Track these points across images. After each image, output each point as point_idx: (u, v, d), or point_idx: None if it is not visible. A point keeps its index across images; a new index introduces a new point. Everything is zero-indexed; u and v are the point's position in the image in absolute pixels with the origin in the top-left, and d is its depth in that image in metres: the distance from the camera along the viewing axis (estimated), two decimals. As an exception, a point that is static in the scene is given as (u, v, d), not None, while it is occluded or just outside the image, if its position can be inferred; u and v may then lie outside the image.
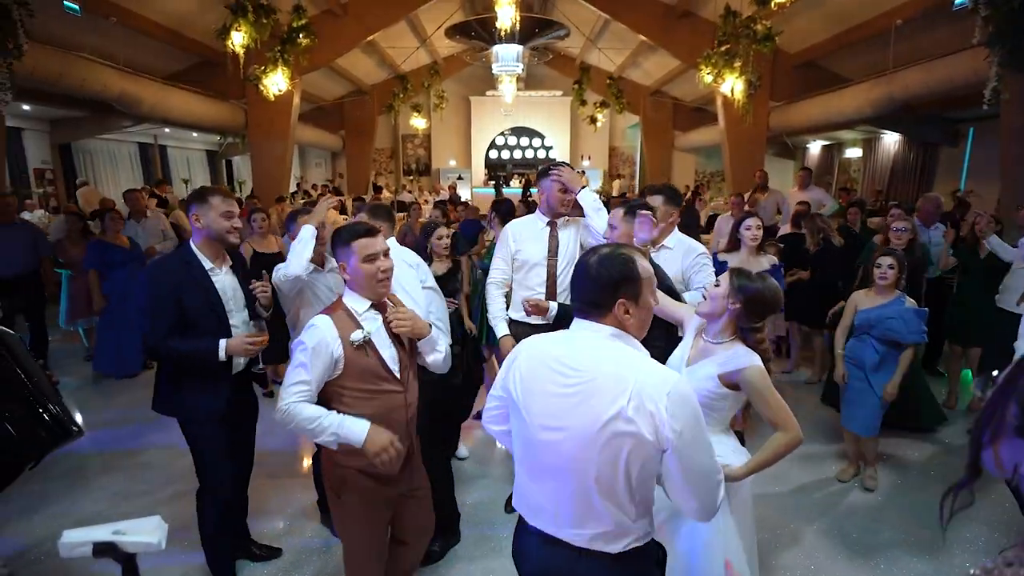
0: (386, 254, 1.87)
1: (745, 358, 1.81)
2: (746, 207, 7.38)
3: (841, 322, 3.38)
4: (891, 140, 10.34)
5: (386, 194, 13.76)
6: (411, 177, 18.70)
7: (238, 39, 7.11)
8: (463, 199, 12.55)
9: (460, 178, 17.87)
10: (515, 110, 16.80)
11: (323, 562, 2.75)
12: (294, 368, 1.76)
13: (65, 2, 6.68)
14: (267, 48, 7.96)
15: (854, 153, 12.35)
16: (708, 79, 8.40)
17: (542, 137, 19.24)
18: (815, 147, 13.60)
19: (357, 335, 1.79)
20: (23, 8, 4.90)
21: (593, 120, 15.91)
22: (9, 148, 9.48)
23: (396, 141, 19.20)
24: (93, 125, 10.58)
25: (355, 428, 1.74)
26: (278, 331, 2.70)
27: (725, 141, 10.53)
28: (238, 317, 2.34)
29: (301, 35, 8.14)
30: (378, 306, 1.89)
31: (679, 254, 2.72)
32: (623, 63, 14.78)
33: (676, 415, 1.20)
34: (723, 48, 7.97)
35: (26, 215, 8.79)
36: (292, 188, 13.13)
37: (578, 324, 1.38)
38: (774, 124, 10.52)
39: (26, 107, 8.88)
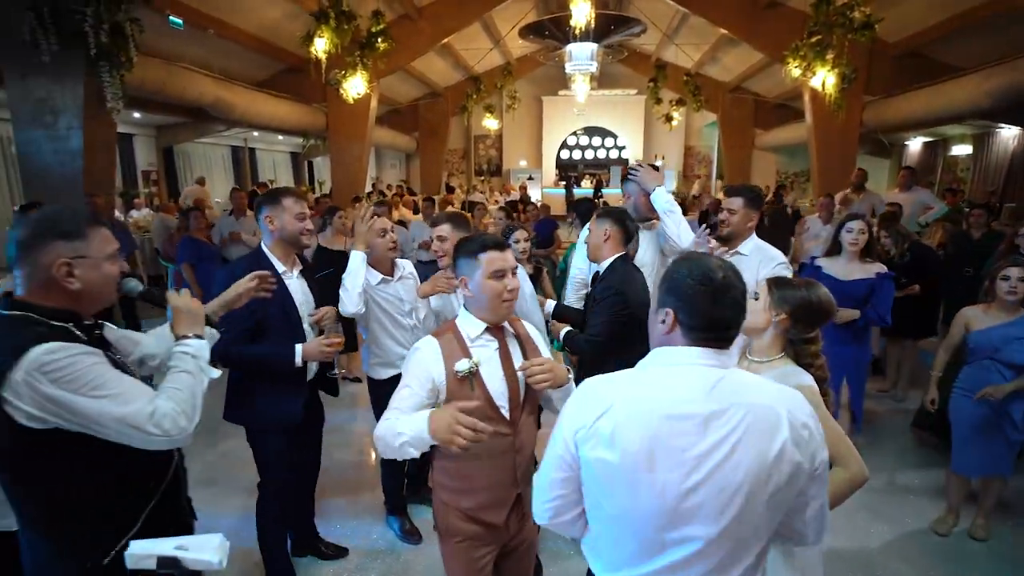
0: (514, 272, 1.68)
1: (793, 378, 1.58)
2: (838, 209, 6.88)
3: (945, 341, 2.99)
4: (1009, 135, 9.30)
5: (458, 193, 13.95)
6: (482, 177, 18.89)
7: (321, 45, 7.40)
8: (533, 200, 12.49)
9: (531, 178, 17.85)
10: (587, 109, 16.54)
11: (388, 564, 2.76)
12: (396, 393, 1.62)
13: (170, 18, 7.20)
14: (347, 53, 8.24)
15: (962, 150, 11.22)
16: (796, 73, 7.87)
17: (615, 137, 18.87)
18: (915, 144, 12.50)
19: (463, 365, 1.59)
20: (135, 24, 5.31)
21: (669, 119, 15.41)
22: (122, 152, 10.42)
23: (468, 142, 19.45)
24: (192, 130, 11.44)
25: (417, 421, 1.49)
26: (345, 322, 2.67)
27: (812, 139, 9.86)
28: (309, 321, 2.31)
29: (379, 39, 8.36)
30: (494, 330, 1.69)
31: (755, 262, 2.51)
32: (701, 59, 14.22)
33: (820, 431, 1.10)
34: (814, 39, 7.44)
35: (134, 213, 9.61)
36: (368, 188, 13.58)
37: (684, 356, 1.13)
38: (868, 120, 9.72)
39: (137, 115, 9.69)
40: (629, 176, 2.77)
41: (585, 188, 17.33)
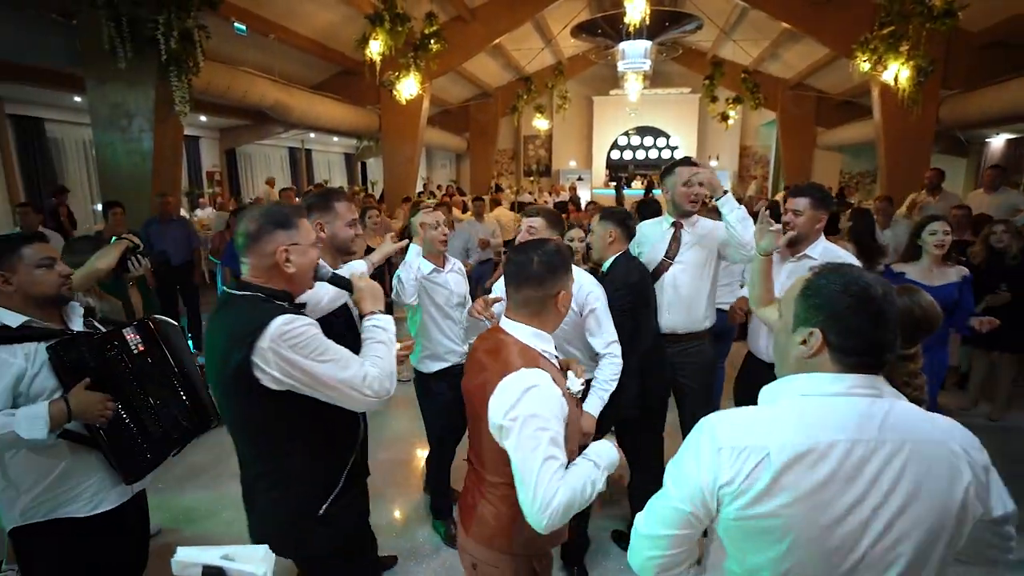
0: None
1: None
2: (916, 212, 6.42)
3: None
4: (1107, 132, 8.48)
5: (507, 193, 13.95)
6: (531, 178, 18.85)
7: (375, 47, 7.53)
8: (583, 200, 12.35)
9: (580, 179, 17.68)
10: (639, 109, 16.25)
11: (433, 569, 2.74)
12: (535, 448, 1.29)
13: (235, 24, 7.50)
14: (401, 55, 8.36)
15: (1052, 148, 10.33)
16: (865, 67, 7.43)
17: (667, 137, 18.45)
18: (998, 141, 11.59)
19: (574, 382, 1.49)
20: (203, 31, 5.54)
21: (725, 117, 14.93)
22: (188, 153, 10.97)
23: (518, 142, 19.45)
24: (253, 132, 11.91)
25: (604, 452, 1.43)
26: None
27: (881, 137, 9.30)
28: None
29: (432, 41, 8.44)
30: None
31: None
32: (760, 55, 13.69)
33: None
34: (886, 30, 7.00)
35: (198, 212, 10.08)
36: (419, 188, 13.78)
37: (839, 384, 0.99)
38: (944, 116, 9.08)
39: (203, 118, 10.15)
40: (674, 170, 2.63)
41: (636, 189, 17.00)
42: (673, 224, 2.68)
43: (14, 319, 1.66)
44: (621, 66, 11.27)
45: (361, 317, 1.66)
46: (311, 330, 1.42)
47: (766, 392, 1.07)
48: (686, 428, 2.60)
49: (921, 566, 0.93)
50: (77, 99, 8.07)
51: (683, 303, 2.62)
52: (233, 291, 1.50)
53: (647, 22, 8.04)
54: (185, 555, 0.91)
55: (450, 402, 2.66)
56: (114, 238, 2.37)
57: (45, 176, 8.55)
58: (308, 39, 9.35)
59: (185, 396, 1.87)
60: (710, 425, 1.02)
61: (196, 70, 5.62)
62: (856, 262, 2.39)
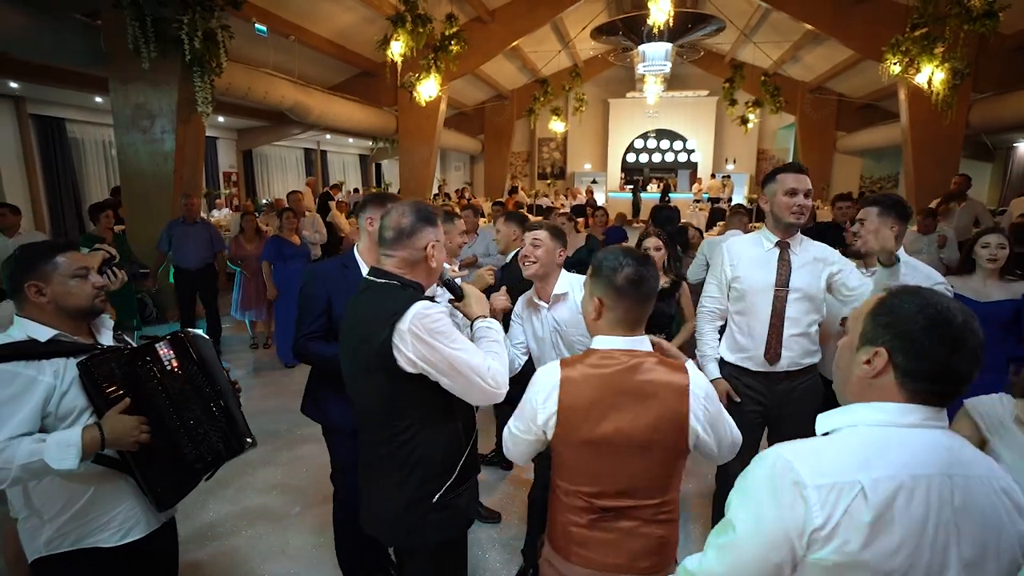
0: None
1: None
2: (938, 219, 6.26)
3: None
4: None
5: (523, 196, 13.88)
6: (547, 181, 18.76)
7: (396, 48, 7.47)
8: (600, 204, 12.22)
9: (595, 182, 17.56)
10: (657, 111, 16.12)
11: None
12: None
13: (256, 26, 7.47)
14: (421, 56, 8.30)
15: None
16: (895, 70, 7.26)
17: (683, 140, 18.28)
18: (1025, 147, 11.36)
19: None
20: (226, 31, 5.50)
21: (744, 121, 14.74)
22: (206, 155, 10.99)
23: (532, 145, 19.37)
24: (270, 133, 11.92)
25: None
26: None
27: (908, 141, 9.11)
28: None
29: (452, 42, 8.37)
30: None
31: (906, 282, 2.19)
32: (781, 58, 13.51)
33: None
34: (918, 32, 6.83)
35: (215, 213, 10.07)
36: (434, 190, 13.73)
37: (912, 416, 0.93)
38: (975, 120, 8.88)
39: (220, 119, 10.17)
40: (777, 177, 2.24)
41: (652, 192, 16.86)
42: (778, 244, 2.28)
43: (44, 333, 1.55)
44: (640, 68, 11.17)
45: (471, 322, 1.74)
46: (445, 319, 1.50)
47: (827, 419, 0.99)
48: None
49: None
50: (98, 99, 8.09)
51: (798, 338, 2.27)
52: (375, 278, 1.59)
53: (671, 24, 7.93)
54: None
55: None
56: (86, 249, 2.28)
57: (65, 176, 8.58)
58: (327, 40, 9.33)
59: (220, 415, 1.73)
60: (785, 462, 0.91)
61: (219, 70, 5.59)
62: (941, 276, 2.30)
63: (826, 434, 0.98)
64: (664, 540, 1.41)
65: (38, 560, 1.59)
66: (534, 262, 2.22)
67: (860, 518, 0.85)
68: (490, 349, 1.60)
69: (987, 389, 2.84)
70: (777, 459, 0.93)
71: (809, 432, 1.59)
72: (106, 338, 1.70)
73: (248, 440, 1.76)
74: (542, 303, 2.28)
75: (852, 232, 2.32)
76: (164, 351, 1.66)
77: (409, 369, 1.47)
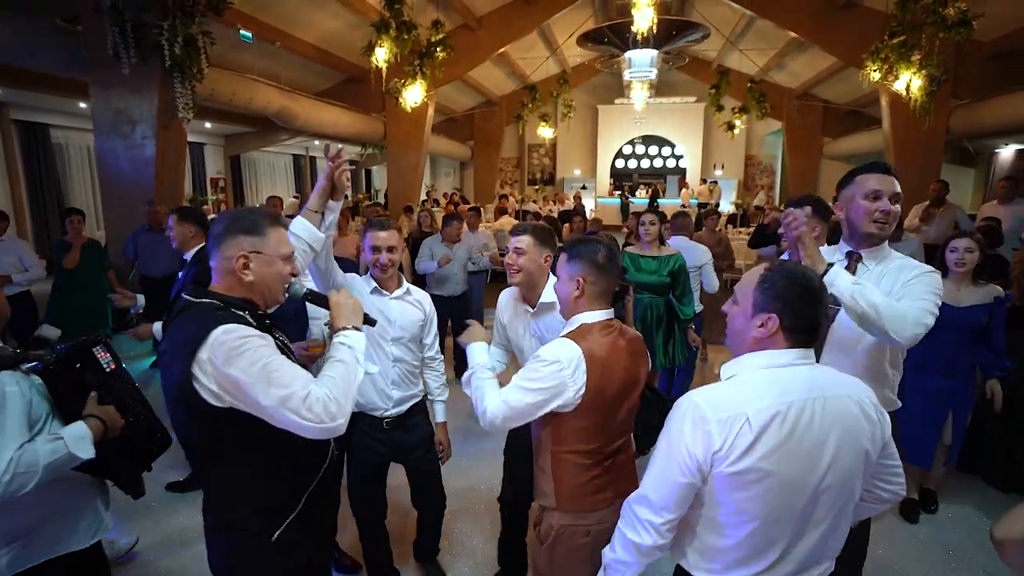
0: None
1: None
2: (916, 221, 6.35)
3: None
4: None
5: (511, 201, 13.91)
6: (536, 187, 18.82)
7: (381, 55, 7.49)
8: (587, 209, 12.27)
9: (584, 188, 17.64)
10: (645, 118, 16.23)
11: None
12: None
13: (240, 32, 7.47)
14: (406, 62, 8.33)
15: (1063, 159, 10.23)
16: (875, 77, 7.36)
17: (672, 145, 18.40)
18: (1007, 152, 11.50)
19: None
20: (207, 37, 5.49)
21: (731, 127, 14.88)
22: (193, 161, 10.95)
23: (522, 151, 19.44)
24: (257, 139, 11.90)
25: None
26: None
27: (890, 147, 9.21)
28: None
29: (438, 49, 8.40)
30: None
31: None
32: (766, 64, 13.66)
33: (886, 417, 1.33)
34: (896, 40, 6.94)
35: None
36: (423, 196, 13.74)
37: (791, 357, 1.25)
38: (955, 126, 9.00)
39: (208, 125, 10.15)
40: (855, 179, 1.89)
41: (641, 198, 16.95)
42: (848, 255, 1.94)
43: None
44: (627, 75, 11.24)
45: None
46: (255, 342, 1.29)
47: (729, 368, 1.29)
48: None
49: (848, 500, 1.25)
50: (82, 105, 8.04)
51: (853, 365, 1.85)
52: (191, 298, 1.39)
53: (654, 31, 8.01)
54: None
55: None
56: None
57: (48, 182, 8.53)
58: (313, 47, 9.34)
59: (151, 412, 1.80)
60: (691, 404, 1.21)
61: (200, 76, 5.57)
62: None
63: (729, 379, 1.28)
64: None
65: None
66: (517, 271, 2.11)
67: (745, 440, 1.15)
68: (327, 372, 1.38)
69: (956, 394, 2.91)
70: (688, 402, 1.22)
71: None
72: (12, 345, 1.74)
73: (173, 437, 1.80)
74: (527, 307, 2.20)
75: (781, 232, 2.33)
76: (102, 354, 1.69)
77: (216, 403, 1.29)
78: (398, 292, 2.24)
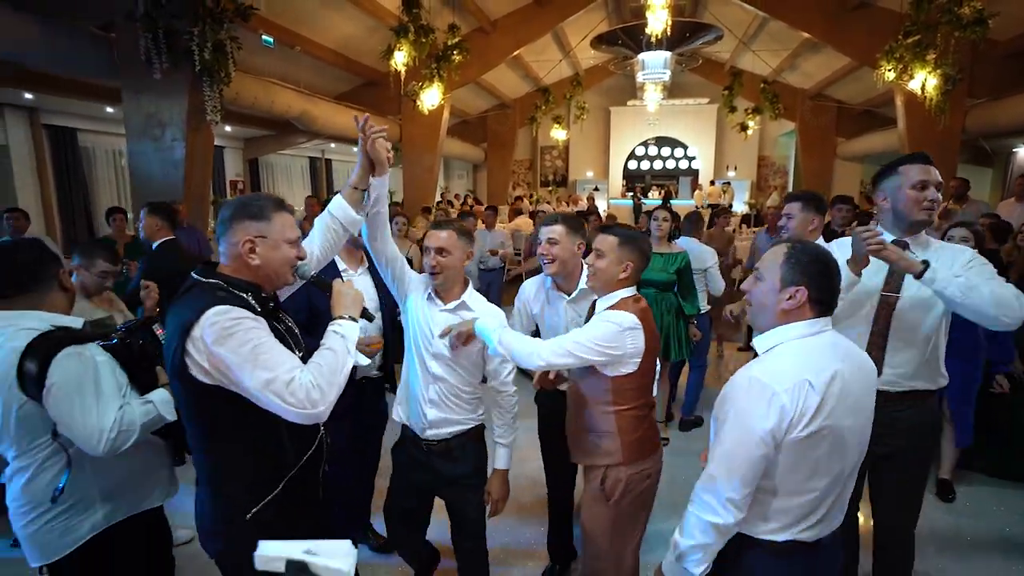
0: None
1: None
2: (937, 224, 6.36)
3: None
4: None
5: (526, 203, 14.01)
6: (549, 188, 18.89)
7: (400, 58, 7.63)
8: (599, 210, 12.33)
9: (597, 189, 17.69)
10: (658, 119, 16.27)
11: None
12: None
13: (263, 37, 7.65)
14: (424, 66, 8.46)
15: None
16: (890, 77, 7.37)
17: (684, 147, 18.41)
18: (1024, 152, 11.40)
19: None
20: (234, 43, 5.66)
21: (744, 128, 14.88)
22: (214, 163, 11.17)
23: (535, 152, 19.53)
24: (275, 142, 12.10)
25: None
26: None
27: (906, 147, 9.20)
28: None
29: (455, 52, 8.53)
30: None
31: None
32: (779, 65, 13.66)
33: None
34: (911, 39, 6.95)
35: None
36: (437, 198, 13.87)
37: (821, 325, 1.40)
38: (971, 126, 8.96)
39: (228, 128, 10.35)
40: (898, 170, 1.96)
41: (653, 199, 16.97)
42: (896, 243, 1.95)
43: (76, 321, 1.68)
44: (640, 76, 11.31)
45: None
46: (246, 323, 1.33)
47: (764, 341, 1.41)
48: (878, 495, 2.13)
49: (865, 451, 1.43)
50: (109, 109, 8.27)
51: (915, 351, 1.94)
52: (199, 277, 1.46)
53: (668, 33, 8.08)
54: (267, 549, 0.91)
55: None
56: None
57: (76, 183, 8.76)
58: (332, 51, 9.51)
59: None
60: (754, 381, 1.32)
61: (227, 80, 5.74)
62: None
63: (767, 352, 1.41)
64: None
65: (86, 543, 1.63)
66: (552, 260, 2.15)
67: (812, 403, 1.28)
68: (316, 359, 1.41)
69: (963, 376, 2.98)
70: (749, 380, 1.33)
71: (916, 475, 2.08)
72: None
73: None
74: (563, 295, 2.25)
75: (779, 226, 2.46)
76: (159, 331, 1.81)
77: (205, 380, 1.34)
78: (451, 305, 2.01)
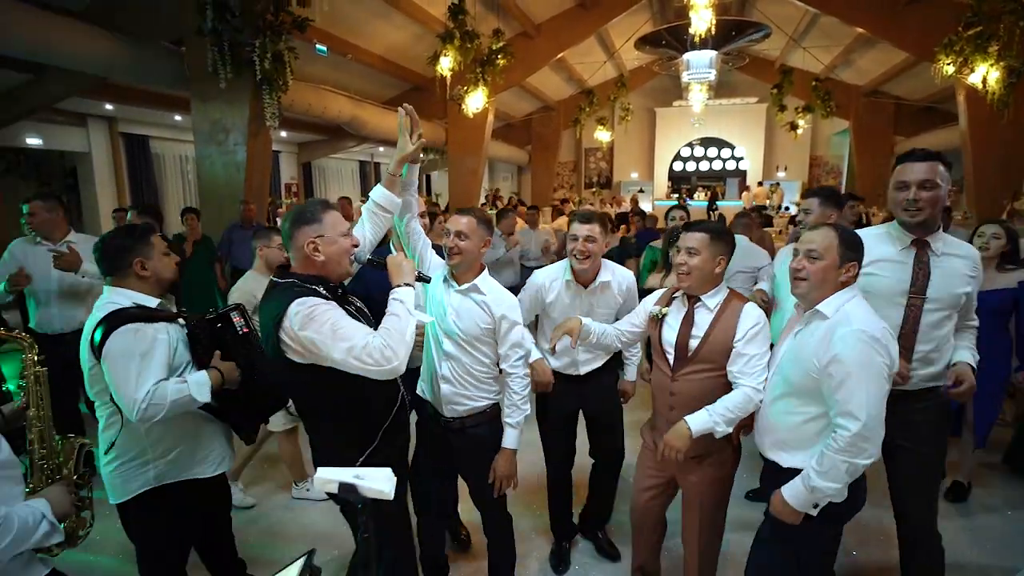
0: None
1: None
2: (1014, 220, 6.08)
3: None
4: None
5: (570, 206, 14.10)
6: (592, 190, 18.90)
7: (445, 63, 7.89)
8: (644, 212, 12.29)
9: (641, 191, 17.59)
10: (704, 119, 16.03)
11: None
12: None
13: (317, 46, 8.06)
14: (468, 70, 8.70)
15: None
16: (949, 71, 7.10)
17: (731, 147, 18.08)
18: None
19: (654, 308, 2.10)
20: (291, 53, 6.03)
21: (793, 127, 14.49)
22: (271, 166, 11.80)
23: (579, 154, 19.58)
24: (327, 147, 12.66)
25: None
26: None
27: (967, 144, 8.80)
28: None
29: (499, 56, 8.74)
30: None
31: None
32: (832, 62, 13.25)
33: None
34: (972, 31, 6.69)
35: (279, 221, 10.79)
36: (481, 200, 14.13)
37: (858, 291, 1.76)
38: (1040, 120, 8.49)
39: (284, 133, 10.91)
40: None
41: (699, 200, 16.75)
42: (914, 243, 1.96)
43: (151, 301, 1.89)
44: (685, 77, 11.23)
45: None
46: (321, 308, 1.60)
47: (829, 306, 1.68)
48: (897, 494, 2.17)
49: None
50: (177, 118, 8.90)
51: (928, 354, 2.00)
52: (276, 279, 1.74)
53: (712, 32, 8.03)
54: (324, 474, 1.08)
55: None
56: None
57: (148, 186, 9.45)
58: (381, 58, 9.89)
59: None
60: (863, 334, 1.58)
61: (285, 88, 6.10)
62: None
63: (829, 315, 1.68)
64: None
65: (144, 493, 1.88)
66: (587, 256, 2.31)
67: (893, 345, 1.64)
68: (384, 324, 1.65)
69: (990, 376, 2.92)
70: (858, 333, 1.58)
71: (932, 469, 2.18)
72: (171, 308, 2.05)
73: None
74: (580, 286, 2.41)
75: (797, 221, 2.52)
76: (236, 318, 1.99)
77: (300, 360, 1.63)
78: (464, 286, 2.08)
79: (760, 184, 16.77)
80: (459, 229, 2.03)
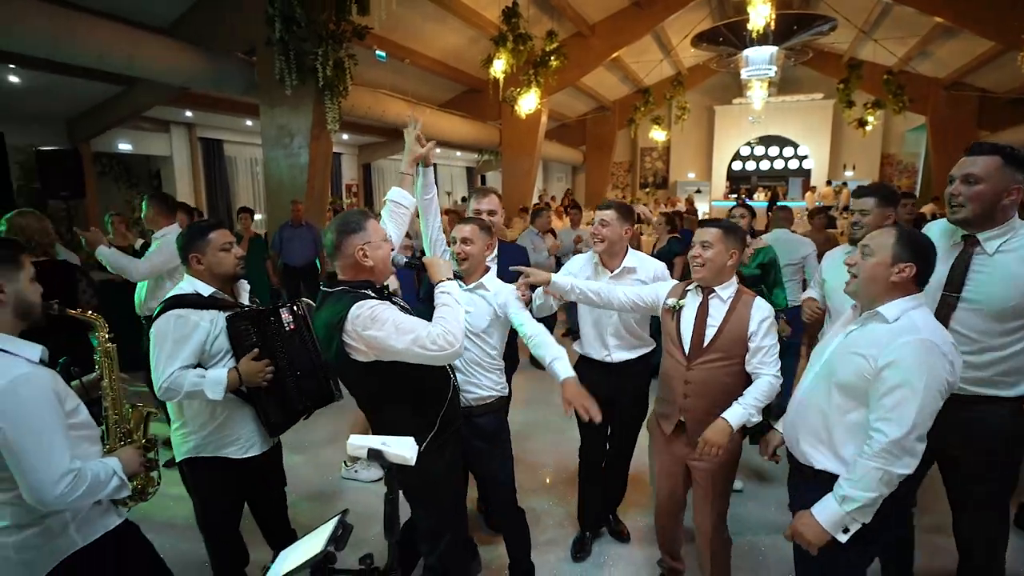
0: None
1: None
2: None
3: None
4: None
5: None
6: (647, 190, 18.65)
7: (499, 66, 8.05)
8: (700, 212, 12.09)
9: (698, 191, 17.21)
10: (764, 117, 15.48)
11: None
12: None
13: (376, 52, 8.41)
14: (522, 72, 8.83)
15: None
16: (1035, 60, 6.62)
17: (795, 146, 17.38)
18: None
19: (671, 301, 2.20)
20: (352, 59, 6.35)
21: (862, 123, 13.76)
22: (332, 168, 12.34)
23: (634, 154, 19.36)
24: (386, 148, 13.11)
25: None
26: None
27: (1058, 139, 8.16)
28: None
29: (552, 58, 8.82)
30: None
31: None
32: (906, 54, 12.50)
33: None
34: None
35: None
36: (535, 200, 14.26)
37: (923, 297, 1.63)
38: None
39: (345, 136, 11.41)
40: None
41: (759, 201, 16.22)
42: (965, 238, 1.90)
43: (206, 289, 2.08)
44: (745, 73, 10.92)
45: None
46: (378, 308, 1.72)
47: (891, 310, 1.57)
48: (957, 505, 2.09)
49: None
50: (248, 123, 9.50)
51: (968, 356, 1.81)
52: (327, 288, 1.86)
53: (772, 27, 7.80)
54: (355, 440, 1.23)
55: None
56: None
57: (222, 186, 10.14)
58: (437, 61, 10.18)
59: (320, 370, 2.19)
60: (929, 344, 1.49)
61: (345, 93, 6.43)
62: None
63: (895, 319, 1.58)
64: None
65: (187, 459, 2.12)
66: (601, 240, 2.49)
67: (958, 359, 1.53)
68: (438, 314, 1.81)
69: None
70: (924, 343, 1.49)
71: (991, 477, 2.00)
72: (244, 299, 2.22)
73: (337, 392, 2.23)
74: (606, 271, 2.55)
75: (853, 222, 2.40)
76: (285, 315, 2.13)
77: (364, 359, 1.75)
78: (471, 286, 2.27)
79: (828, 184, 16.05)
80: (465, 236, 2.25)
